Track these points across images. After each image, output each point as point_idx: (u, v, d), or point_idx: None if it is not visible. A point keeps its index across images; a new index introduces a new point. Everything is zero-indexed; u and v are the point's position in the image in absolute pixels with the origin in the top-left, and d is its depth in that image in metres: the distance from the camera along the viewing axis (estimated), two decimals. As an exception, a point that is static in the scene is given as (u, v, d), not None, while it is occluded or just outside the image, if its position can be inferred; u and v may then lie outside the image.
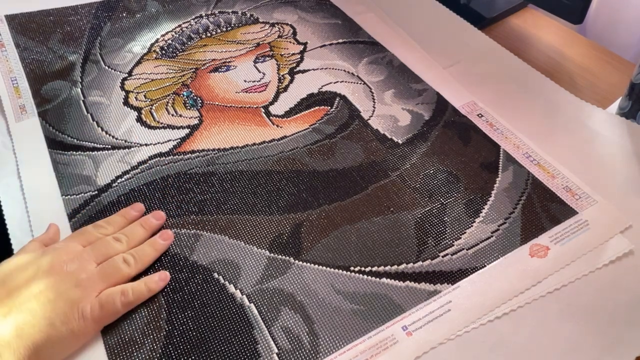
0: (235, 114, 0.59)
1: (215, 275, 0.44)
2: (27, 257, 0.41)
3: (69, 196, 0.50)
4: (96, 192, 0.51)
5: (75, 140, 0.56)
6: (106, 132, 0.57)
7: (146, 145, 0.55)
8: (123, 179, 0.52)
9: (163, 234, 0.46)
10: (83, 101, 0.60)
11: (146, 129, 0.57)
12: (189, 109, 0.59)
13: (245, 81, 0.62)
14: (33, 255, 0.41)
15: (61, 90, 0.62)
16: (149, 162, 0.53)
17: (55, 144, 0.55)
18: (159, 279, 0.43)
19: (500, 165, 0.52)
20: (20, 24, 0.71)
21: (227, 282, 0.44)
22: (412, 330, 0.40)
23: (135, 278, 0.43)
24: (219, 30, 0.70)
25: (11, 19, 0.71)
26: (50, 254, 0.41)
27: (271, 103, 0.60)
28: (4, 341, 0.35)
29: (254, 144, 0.55)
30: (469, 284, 0.43)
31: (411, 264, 0.44)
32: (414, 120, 0.57)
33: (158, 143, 0.55)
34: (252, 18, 0.72)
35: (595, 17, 0.81)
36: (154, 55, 0.66)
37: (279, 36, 0.69)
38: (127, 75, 0.64)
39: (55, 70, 0.64)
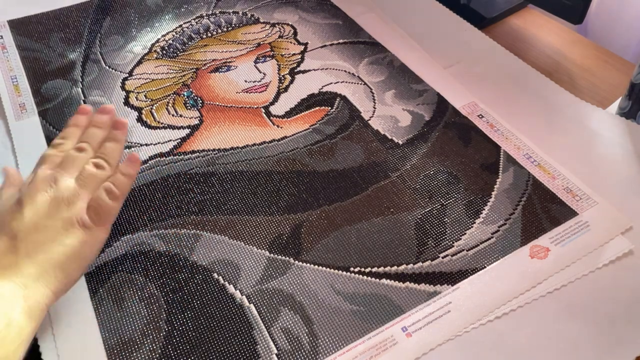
0: (236, 114, 0.59)
1: (215, 275, 0.44)
2: (9, 202, 0.41)
3: (69, 196, 0.50)
4: (96, 192, 0.51)
5: (75, 140, 0.56)
6: (106, 132, 0.57)
7: (146, 145, 0.55)
8: (123, 179, 0.52)
9: (117, 124, 0.47)
10: (83, 101, 0.60)
11: (146, 129, 0.57)
12: (190, 109, 0.59)
13: (245, 81, 0.62)
14: (7, 199, 0.41)
15: (61, 89, 0.62)
16: (149, 162, 0.53)
17: (55, 144, 0.55)
18: (130, 161, 0.44)
19: (501, 166, 0.52)
20: (22, 26, 0.71)
21: (226, 282, 0.44)
22: (412, 331, 0.40)
23: None
24: (219, 31, 0.70)
25: (13, 23, 0.71)
26: (25, 190, 0.41)
27: (271, 103, 0.60)
28: (20, 273, 0.37)
29: (254, 144, 0.55)
30: (469, 285, 0.43)
31: (411, 264, 0.44)
32: (414, 120, 0.57)
33: (158, 143, 0.55)
34: (252, 18, 0.72)
35: (595, 17, 0.81)
36: (155, 55, 0.66)
37: (280, 36, 0.69)
38: (127, 75, 0.64)
39: (56, 69, 0.64)
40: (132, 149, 0.55)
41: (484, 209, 0.48)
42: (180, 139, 0.56)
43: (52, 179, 0.41)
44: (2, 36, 0.69)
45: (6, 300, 0.35)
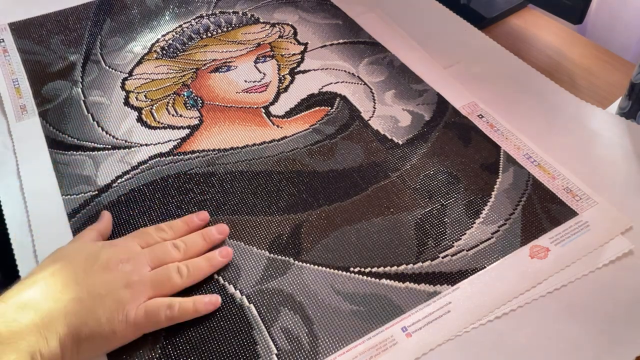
0: (236, 114, 0.59)
1: (215, 275, 0.44)
2: (86, 247, 0.41)
3: (69, 196, 0.50)
4: (96, 192, 0.51)
5: (75, 140, 0.56)
6: (106, 132, 0.57)
7: (146, 145, 0.55)
8: (123, 179, 0.52)
9: (222, 251, 0.45)
10: (83, 101, 0.60)
11: (146, 129, 0.57)
12: (190, 109, 0.59)
13: (245, 81, 0.62)
14: (91, 247, 0.42)
15: (62, 90, 0.62)
16: (149, 162, 0.54)
17: (55, 144, 0.55)
18: (209, 301, 0.42)
19: (501, 166, 0.52)
20: (23, 28, 0.71)
21: (226, 282, 0.44)
22: (412, 331, 0.40)
23: (185, 291, 0.42)
24: (219, 31, 0.70)
25: (14, 26, 0.71)
26: (108, 249, 0.41)
27: (271, 103, 0.60)
28: (51, 323, 0.36)
29: (254, 144, 0.55)
30: (469, 285, 0.43)
31: (411, 264, 0.44)
32: (414, 120, 0.57)
33: (158, 143, 0.55)
34: (252, 18, 0.72)
35: (595, 17, 0.81)
36: (155, 56, 0.66)
37: (280, 36, 0.69)
38: (127, 75, 0.64)
39: (56, 71, 0.64)
40: (132, 149, 0.55)
41: (484, 209, 0.48)
42: (180, 139, 0.56)
43: (135, 257, 0.41)
44: (3, 39, 0.69)
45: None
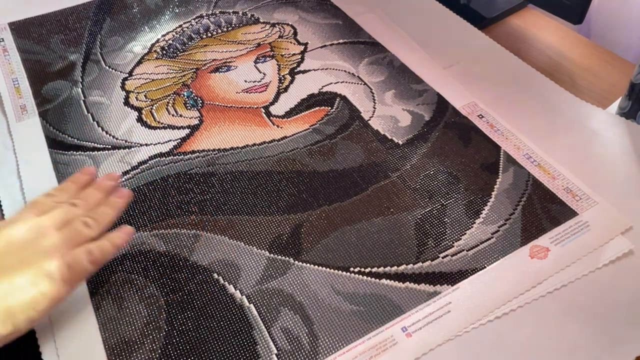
0: (236, 114, 0.59)
1: (215, 275, 0.44)
2: None
3: (69, 196, 0.50)
4: (96, 192, 0.51)
5: (75, 140, 0.56)
6: (106, 132, 0.57)
7: (146, 145, 0.55)
8: (123, 179, 0.52)
9: (118, 192, 0.45)
10: (83, 101, 0.60)
11: (146, 129, 0.57)
12: (190, 109, 0.59)
13: (245, 81, 0.62)
14: None
15: (62, 90, 0.62)
16: (149, 162, 0.54)
17: (55, 144, 0.55)
18: (123, 232, 0.43)
19: (501, 166, 0.52)
20: (23, 28, 0.71)
21: (226, 282, 0.44)
22: (412, 331, 0.40)
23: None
24: (219, 31, 0.70)
25: (14, 26, 0.71)
26: (9, 230, 0.40)
27: (271, 103, 0.60)
28: None
29: (254, 144, 0.55)
30: (469, 285, 0.43)
31: (411, 265, 0.44)
32: (414, 121, 0.57)
33: (158, 143, 0.55)
34: (252, 18, 0.72)
35: (595, 17, 0.81)
36: (155, 55, 0.66)
37: (280, 36, 0.69)
38: (127, 75, 0.64)
39: (56, 70, 0.64)
40: (132, 149, 0.55)
41: (484, 209, 0.48)
42: (180, 139, 0.56)
43: (35, 225, 0.40)
44: (3, 39, 0.69)
45: None
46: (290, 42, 0.68)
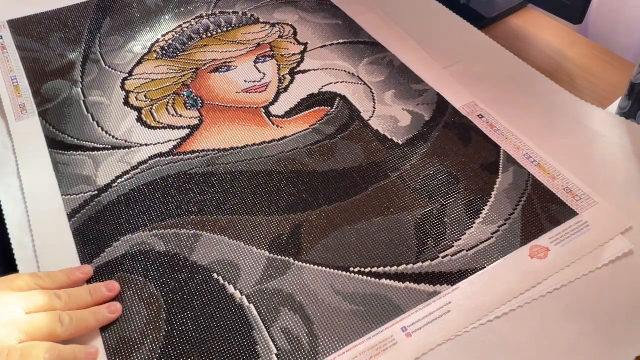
0: (236, 115, 0.59)
1: (215, 275, 0.44)
2: None
3: (69, 196, 0.50)
4: (96, 192, 0.51)
5: (75, 140, 0.56)
6: (106, 132, 0.57)
7: (146, 145, 0.55)
8: (123, 179, 0.52)
9: (111, 307, 0.42)
10: (83, 101, 0.60)
11: (146, 129, 0.57)
12: (189, 109, 0.59)
13: (245, 81, 0.62)
14: None
15: (62, 89, 0.62)
16: (149, 162, 0.53)
17: (55, 144, 0.55)
18: (89, 353, 0.38)
19: (501, 166, 0.52)
20: (22, 26, 0.71)
21: (226, 282, 0.44)
22: (412, 331, 0.40)
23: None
24: (219, 31, 0.70)
25: (13, 24, 0.71)
26: None
27: (271, 103, 0.60)
28: None
29: (254, 144, 0.55)
30: (469, 285, 0.43)
31: (411, 265, 0.44)
32: (414, 121, 0.57)
33: (158, 143, 0.55)
34: (252, 18, 0.72)
35: (595, 17, 0.81)
36: (155, 56, 0.66)
37: (280, 36, 0.69)
38: (127, 75, 0.64)
39: (56, 70, 0.64)
40: (132, 149, 0.55)
41: (484, 209, 0.48)
42: (180, 139, 0.56)
43: (6, 299, 0.37)
44: (1, 36, 0.69)
45: None
46: (290, 42, 0.68)
